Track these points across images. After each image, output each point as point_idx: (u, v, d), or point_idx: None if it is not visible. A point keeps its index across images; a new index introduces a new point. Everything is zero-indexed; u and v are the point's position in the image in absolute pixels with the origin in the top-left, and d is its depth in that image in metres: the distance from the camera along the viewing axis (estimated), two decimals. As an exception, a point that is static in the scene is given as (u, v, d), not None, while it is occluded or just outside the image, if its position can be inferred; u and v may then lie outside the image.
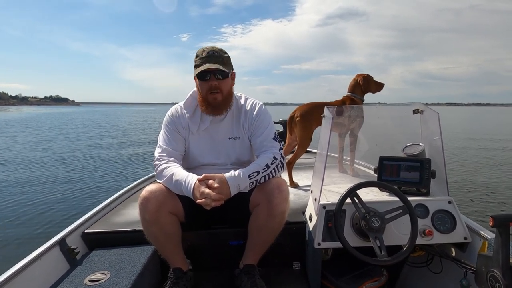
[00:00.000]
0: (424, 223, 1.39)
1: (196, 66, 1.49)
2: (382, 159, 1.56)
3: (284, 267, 1.75)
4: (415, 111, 1.61)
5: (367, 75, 2.53)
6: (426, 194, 1.47)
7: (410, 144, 1.58)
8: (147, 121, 32.34)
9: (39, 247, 1.48)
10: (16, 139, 14.17)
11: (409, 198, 1.32)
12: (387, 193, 1.51)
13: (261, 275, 1.54)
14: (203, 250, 1.73)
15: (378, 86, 2.56)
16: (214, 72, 1.46)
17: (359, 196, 1.35)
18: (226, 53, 1.51)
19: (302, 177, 2.70)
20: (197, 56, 1.50)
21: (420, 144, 1.56)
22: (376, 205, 1.38)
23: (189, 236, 1.63)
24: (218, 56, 1.48)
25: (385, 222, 1.30)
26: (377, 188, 1.57)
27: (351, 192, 1.34)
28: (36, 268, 1.39)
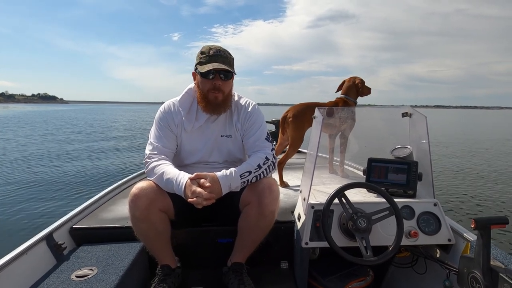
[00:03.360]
0: (409, 224, 1.42)
1: (200, 63, 1.49)
2: (370, 161, 1.59)
3: (272, 266, 1.76)
4: (404, 114, 1.65)
5: (360, 79, 2.58)
6: (413, 196, 1.50)
7: (399, 146, 1.61)
8: (137, 120, 32.13)
9: (25, 241, 1.46)
10: (3, 137, 13.88)
11: (396, 200, 1.35)
12: (375, 195, 1.54)
13: (249, 273, 1.55)
14: (192, 247, 1.73)
15: (368, 90, 2.61)
16: (220, 72, 1.46)
17: (347, 197, 1.37)
18: (231, 54, 1.53)
19: (292, 177, 2.72)
20: (202, 53, 1.49)
21: (408, 146, 1.59)
22: (363, 206, 1.40)
23: (178, 233, 1.63)
24: (225, 57, 1.49)
25: (371, 223, 1.32)
26: (365, 189, 1.60)
27: (339, 193, 1.36)
28: (22, 263, 1.38)
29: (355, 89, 2.58)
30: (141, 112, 64.38)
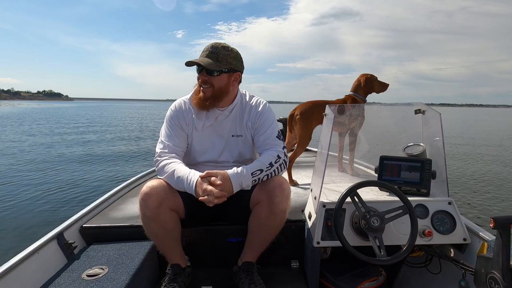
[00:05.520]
0: (423, 223, 1.40)
1: None
2: (382, 159, 1.56)
3: (282, 265, 1.74)
4: (417, 111, 1.62)
5: (371, 75, 2.54)
6: (426, 194, 1.47)
7: (411, 144, 1.59)
8: (142, 118, 32.30)
9: (36, 241, 1.46)
10: (12, 134, 14.02)
11: (409, 198, 1.33)
12: (387, 193, 1.52)
13: (260, 273, 1.54)
14: (202, 246, 1.72)
15: (382, 86, 2.56)
16: (203, 67, 1.45)
17: (359, 196, 1.35)
18: (228, 50, 1.48)
19: (301, 176, 2.71)
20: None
21: (421, 144, 1.57)
22: (376, 204, 1.38)
23: (188, 232, 1.62)
24: (214, 53, 1.46)
25: (384, 222, 1.30)
26: (377, 188, 1.58)
27: (352, 191, 1.34)
28: (33, 262, 1.38)
29: (361, 86, 2.55)
30: (144, 109, 64.77)
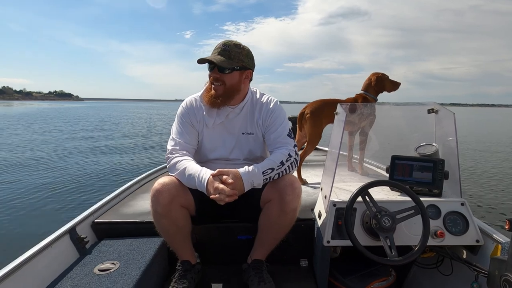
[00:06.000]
0: (435, 224, 1.38)
1: None
2: (394, 158, 1.55)
3: (291, 264, 1.74)
4: (430, 111, 1.60)
5: (382, 74, 2.51)
6: (438, 195, 1.46)
7: (424, 144, 1.57)
8: (151, 117, 32.60)
9: (50, 235, 1.49)
10: (24, 133, 14.23)
11: (421, 199, 1.31)
12: (399, 193, 1.50)
13: (269, 271, 1.54)
14: (212, 243, 1.73)
15: (393, 85, 2.53)
16: (215, 64, 1.45)
17: (370, 195, 1.34)
18: (240, 48, 1.49)
19: (310, 174, 2.70)
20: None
21: (434, 144, 1.55)
22: (387, 204, 1.37)
23: (198, 229, 1.63)
24: (226, 50, 1.47)
25: (396, 222, 1.29)
26: (388, 188, 1.56)
27: (363, 191, 1.33)
28: (47, 256, 1.41)
29: (372, 85, 2.54)
30: (153, 109, 65.29)
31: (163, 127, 20.12)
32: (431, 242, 1.35)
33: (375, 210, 1.32)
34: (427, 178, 1.47)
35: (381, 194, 1.50)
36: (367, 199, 1.34)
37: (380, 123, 2.19)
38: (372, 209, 1.32)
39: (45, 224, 3.83)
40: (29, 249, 1.36)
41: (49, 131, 15.67)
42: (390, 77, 2.53)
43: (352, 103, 2.37)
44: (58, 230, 1.54)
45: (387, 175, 1.57)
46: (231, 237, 1.72)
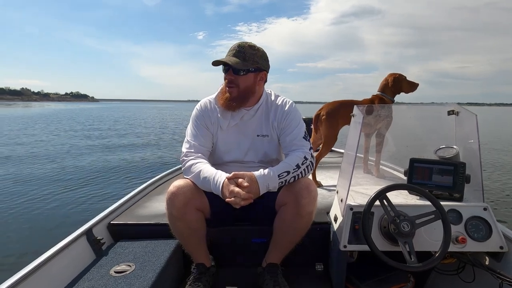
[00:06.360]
0: (456, 229, 1.34)
1: None
2: (413, 161, 1.51)
3: (306, 268, 1.72)
4: (450, 112, 1.55)
5: (399, 75, 2.47)
6: (459, 199, 1.41)
7: (443, 146, 1.53)
8: (165, 118, 32.96)
9: (67, 236, 1.51)
10: (42, 134, 14.55)
11: (441, 203, 1.28)
12: (418, 197, 1.46)
13: (284, 275, 1.52)
14: (226, 246, 1.73)
15: (411, 86, 2.48)
16: (230, 66, 1.44)
17: (388, 199, 1.31)
18: (255, 49, 1.48)
19: (325, 177, 2.67)
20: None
21: (454, 146, 1.50)
22: (406, 208, 1.34)
23: (212, 232, 1.62)
24: (241, 52, 1.46)
25: (415, 227, 1.26)
26: (406, 191, 1.53)
27: (381, 194, 1.30)
28: (64, 257, 1.42)
29: (389, 86, 2.49)
30: (166, 109, 66.05)
31: (176, 127, 20.31)
32: (452, 248, 1.31)
33: (393, 214, 1.29)
34: (447, 182, 1.43)
35: (399, 198, 1.46)
36: (385, 203, 1.31)
37: (397, 124, 2.15)
38: (390, 214, 1.29)
39: (61, 224, 3.89)
40: (47, 250, 1.38)
41: (65, 131, 16.01)
42: (407, 78, 2.49)
43: (369, 105, 2.34)
44: (75, 231, 1.56)
45: (404, 178, 1.53)
46: (246, 240, 1.71)
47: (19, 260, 2.68)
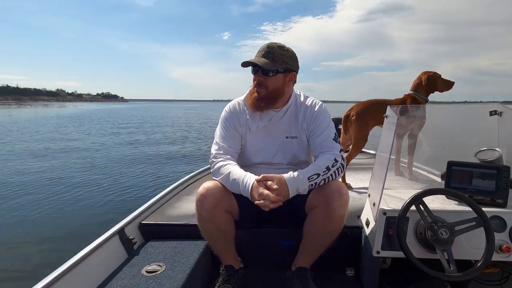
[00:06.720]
0: (500, 237, 1.26)
1: None
2: (450, 164, 1.43)
3: (336, 272, 1.68)
4: (492, 113, 1.46)
5: (434, 73, 2.36)
6: (503, 205, 1.32)
7: (485, 148, 1.44)
8: (190, 117, 33.56)
9: (100, 236, 1.55)
10: (73, 134, 15.10)
11: (483, 209, 1.20)
12: (456, 202, 1.39)
13: (313, 279, 1.49)
14: (254, 249, 1.72)
15: (446, 85, 2.37)
16: (259, 67, 1.43)
17: (425, 204, 1.25)
18: (284, 50, 1.46)
19: (354, 179, 2.60)
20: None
21: (497, 149, 1.41)
22: (443, 214, 1.27)
23: (241, 234, 1.62)
24: (270, 52, 1.44)
25: (454, 234, 1.19)
26: (443, 196, 1.45)
27: (417, 199, 1.24)
28: (98, 256, 1.47)
29: (422, 85, 2.39)
30: (192, 109, 67.25)
31: (201, 127, 20.62)
32: (495, 257, 1.23)
33: (430, 220, 1.22)
34: (489, 187, 1.34)
35: (435, 202, 1.39)
36: (422, 208, 1.25)
37: (432, 125, 2.05)
38: (427, 219, 1.23)
39: (92, 223, 4.01)
40: (82, 249, 1.42)
41: (96, 131, 16.66)
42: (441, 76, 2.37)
43: (403, 105, 2.25)
44: (108, 231, 1.60)
45: (439, 181, 1.46)
46: (274, 243, 1.69)
47: (61, 254, 2.76)
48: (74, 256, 1.36)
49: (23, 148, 10.29)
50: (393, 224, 1.29)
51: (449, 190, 1.32)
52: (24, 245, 3.43)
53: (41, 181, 6.02)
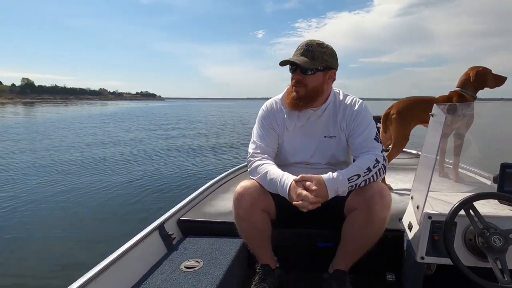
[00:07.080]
0: None
1: None
2: (504, 167, 1.33)
3: (376, 277, 1.63)
4: None
5: (483, 68, 2.20)
6: None
7: None
8: (224, 115, 34.03)
9: (141, 230, 1.61)
10: (114, 132, 15.77)
11: None
12: (511, 207, 1.29)
13: (352, 283, 1.45)
14: (291, 249, 1.70)
15: (497, 81, 2.20)
16: (298, 66, 1.40)
17: (476, 209, 1.17)
18: (324, 47, 1.42)
19: (394, 179, 2.50)
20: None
21: None
22: (496, 220, 1.18)
23: (277, 233, 1.61)
24: (309, 50, 1.41)
25: (509, 242, 1.11)
26: (495, 200, 1.35)
27: (467, 203, 1.16)
28: (140, 250, 1.52)
29: (470, 82, 2.23)
30: (226, 107, 68.23)
31: (235, 125, 20.82)
32: None
33: (481, 226, 1.15)
34: None
35: (487, 207, 1.30)
36: (472, 213, 1.17)
37: (482, 124, 1.92)
38: (478, 225, 1.15)
39: (132, 219, 4.15)
40: (124, 243, 1.48)
41: (135, 128, 17.31)
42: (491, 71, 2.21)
43: (451, 103, 2.12)
44: (149, 226, 1.66)
45: (489, 183, 1.36)
46: (311, 244, 1.67)
47: (105, 248, 2.91)
48: (117, 250, 1.41)
49: (68, 144, 10.93)
50: (439, 229, 1.23)
51: (504, 194, 1.23)
52: (68, 240, 3.63)
53: (84, 177, 6.34)
